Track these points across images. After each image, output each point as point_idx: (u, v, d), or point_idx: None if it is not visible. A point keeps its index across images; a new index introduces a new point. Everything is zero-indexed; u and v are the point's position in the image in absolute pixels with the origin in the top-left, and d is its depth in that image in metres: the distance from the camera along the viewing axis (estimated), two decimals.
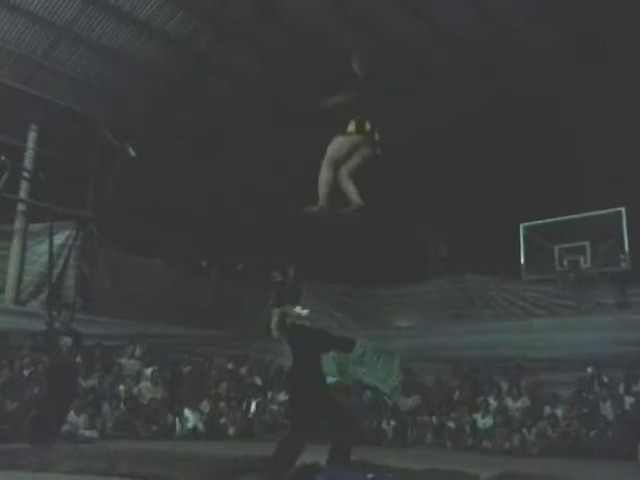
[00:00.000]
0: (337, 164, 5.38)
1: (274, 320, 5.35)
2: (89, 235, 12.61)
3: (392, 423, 10.64)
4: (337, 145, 5.38)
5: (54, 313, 9.17)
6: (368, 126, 5.32)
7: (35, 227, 11.99)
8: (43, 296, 11.70)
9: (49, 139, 12.13)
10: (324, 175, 5.36)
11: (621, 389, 9.95)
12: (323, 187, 5.34)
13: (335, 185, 5.39)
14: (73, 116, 12.06)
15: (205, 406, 10.97)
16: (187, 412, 10.53)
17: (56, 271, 11.90)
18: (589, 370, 10.39)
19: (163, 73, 11.97)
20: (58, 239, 12.05)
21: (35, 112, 11.89)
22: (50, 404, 7.87)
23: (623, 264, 12.27)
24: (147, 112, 12.49)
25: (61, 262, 12.20)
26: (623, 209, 12.42)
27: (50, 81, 11.52)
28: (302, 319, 5.29)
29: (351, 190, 5.39)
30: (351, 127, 5.31)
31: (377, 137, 5.41)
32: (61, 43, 11.00)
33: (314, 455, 5.45)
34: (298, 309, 5.24)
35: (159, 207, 12.94)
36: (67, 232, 12.40)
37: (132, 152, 12.33)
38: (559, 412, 10.00)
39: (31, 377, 9.30)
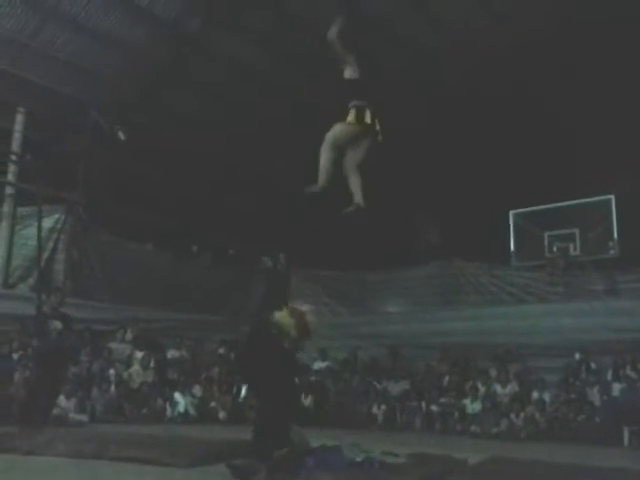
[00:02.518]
0: (338, 148, 5.34)
1: (289, 321, 4.81)
2: (78, 219, 12.52)
3: (382, 408, 10.71)
4: (337, 130, 5.31)
5: (43, 297, 9.13)
6: (368, 116, 5.24)
7: (24, 211, 11.89)
8: (32, 280, 11.64)
9: (38, 122, 12.00)
10: (324, 156, 5.31)
11: (608, 375, 10.06)
12: (323, 167, 5.29)
13: (335, 170, 5.35)
14: (62, 99, 11.90)
15: (197, 390, 11.00)
16: (177, 396, 10.57)
17: (45, 255, 11.81)
18: (577, 356, 10.50)
19: (153, 55, 11.83)
20: (47, 223, 11.94)
21: (23, 95, 11.74)
22: (40, 388, 7.86)
23: (612, 251, 12.41)
24: (137, 95, 12.37)
25: (50, 246, 12.12)
26: (612, 197, 12.54)
27: (38, 63, 11.35)
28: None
29: (355, 186, 5.34)
30: (351, 117, 5.23)
31: (377, 127, 5.33)
32: (48, 24, 10.83)
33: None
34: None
35: (149, 191, 12.88)
36: (56, 216, 12.31)
37: (122, 135, 12.23)
38: (547, 397, 10.11)
39: (20, 361, 9.26)
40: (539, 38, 11.61)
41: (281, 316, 4.69)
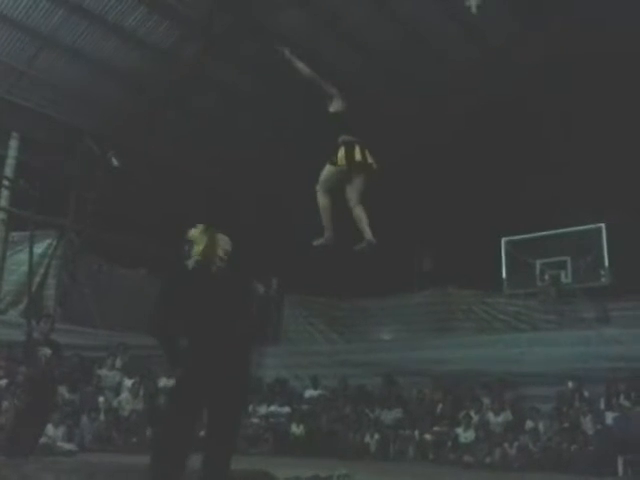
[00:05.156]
0: (330, 191, 5.38)
1: (201, 237, 4.33)
2: (70, 244, 12.49)
3: (375, 437, 10.61)
4: (327, 174, 5.37)
5: (33, 323, 9.05)
6: (358, 153, 5.23)
7: (15, 236, 11.85)
8: (22, 306, 11.54)
9: (31, 147, 12.04)
10: (320, 203, 5.39)
11: (601, 404, 10.02)
12: (324, 216, 5.38)
13: (340, 214, 5.38)
14: (56, 125, 11.97)
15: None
16: None
17: (36, 280, 11.75)
18: (570, 385, 10.45)
19: (148, 83, 11.94)
20: (39, 248, 11.92)
21: (17, 120, 11.80)
22: (28, 416, 7.73)
23: (603, 279, 12.43)
24: (131, 121, 12.44)
25: (41, 271, 12.06)
26: (603, 225, 12.61)
27: (33, 89, 11.43)
28: None
29: (363, 222, 5.34)
30: (340, 155, 5.23)
31: (369, 160, 5.32)
32: (44, 51, 10.93)
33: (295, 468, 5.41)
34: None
35: (142, 217, 12.86)
36: (48, 241, 12.29)
37: (115, 161, 12.27)
38: (540, 426, 10.04)
39: (8, 388, 9.13)
40: (532, 70, 11.82)
41: (194, 232, 4.27)
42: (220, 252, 4.18)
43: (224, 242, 4.25)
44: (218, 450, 4.03)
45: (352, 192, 5.38)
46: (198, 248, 4.16)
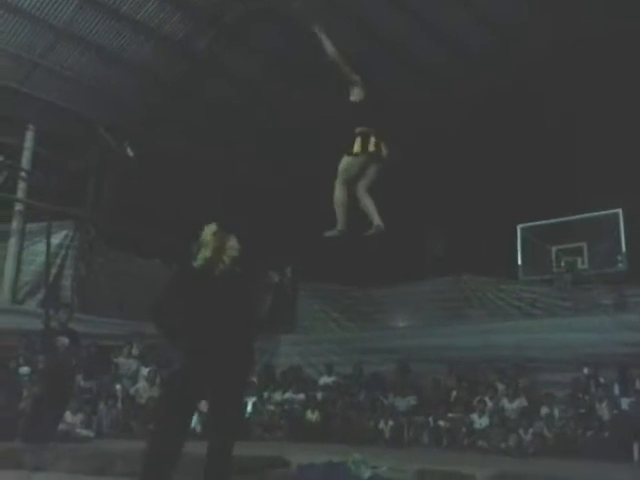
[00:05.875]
0: (349, 183, 5.41)
1: (210, 238, 4.43)
2: (86, 235, 12.62)
3: (389, 423, 10.65)
4: (346, 165, 5.41)
5: (51, 313, 9.19)
6: (372, 143, 5.28)
7: (33, 227, 12.00)
8: (40, 296, 11.71)
9: (47, 139, 12.15)
10: (337, 196, 5.43)
11: (617, 390, 9.97)
12: (339, 208, 5.41)
13: (350, 203, 5.41)
14: (71, 116, 12.06)
15: (203, 405, 10.97)
16: None
17: (53, 271, 11.91)
18: (585, 371, 10.41)
19: (161, 74, 11.97)
20: (56, 239, 12.07)
21: (33, 112, 11.90)
22: (47, 403, 7.88)
23: (620, 265, 12.34)
24: (145, 112, 12.50)
25: (58, 262, 12.21)
26: (620, 210, 12.48)
27: (48, 81, 11.52)
28: None
29: (370, 209, 5.40)
30: (357, 147, 5.29)
31: (383, 152, 5.38)
32: (59, 44, 10.99)
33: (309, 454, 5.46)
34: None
35: (157, 207, 12.95)
36: (65, 232, 12.42)
37: (130, 152, 12.35)
38: (555, 412, 10.02)
39: (27, 376, 9.29)
40: (547, 54, 11.66)
41: (205, 233, 4.38)
42: (225, 258, 4.30)
43: (231, 248, 4.37)
44: (221, 441, 4.14)
45: (363, 181, 5.41)
46: (204, 253, 4.29)
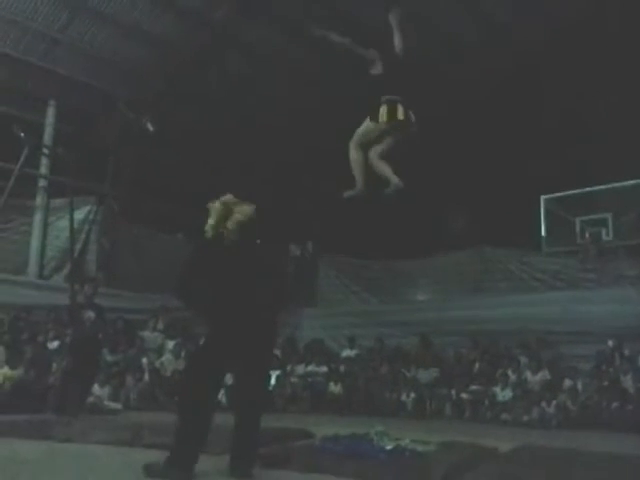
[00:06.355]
0: (364, 146, 5.37)
1: (218, 208, 4.45)
2: (109, 210, 12.73)
3: (411, 395, 10.72)
4: (365, 129, 5.37)
5: (77, 287, 9.33)
6: (401, 112, 5.21)
7: (56, 202, 12.12)
8: (66, 271, 11.88)
9: (68, 115, 12.20)
10: (352, 157, 5.40)
11: (639, 362, 9.90)
12: (356, 169, 5.38)
13: (367, 167, 5.38)
14: (91, 91, 12.08)
15: (228, 378, 11.12)
16: None
17: (78, 246, 12.05)
18: (610, 343, 10.33)
19: (180, 47, 11.90)
20: (79, 214, 12.18)
21: (53, 88, 11.94)
22: (75, 376, 8.04)
23: None
24: (165, 86, 12.47)
25: (82, 237, 12.35)
26: None
27: (67, 56, 11.53)
28: None
29: (386, 170, 5.36)
30: (382, 115, 5.22)
31: (412, 119, 5.31)
32: (77, 18, 10.97)
33: (332, 426, 5.51)
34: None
35: (178, 182, 12.99)
36: (87, 207, 12.53)
37: (150, 127, 12.36)
38: (579, 385, 9.99)
39: (56, 350, 9.48)
40: (567, 24, 11.37)
41: (212, 204, 4.38)
42: (231, 224, 4.24)
43: (240, 213, 4.29)
44: (247, 413, 4.18)
45: (378, 147, 5.36)
46: (210, 222, 4.25)
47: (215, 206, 4.34)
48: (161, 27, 11.35)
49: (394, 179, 5.33)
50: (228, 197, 4.38)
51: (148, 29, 11.34)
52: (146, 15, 11.10)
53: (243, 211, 4.32)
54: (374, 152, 5.40)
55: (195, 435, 4.04)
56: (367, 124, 5.36)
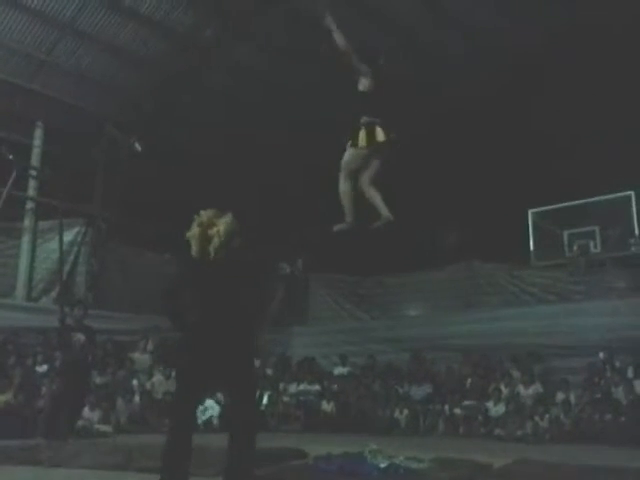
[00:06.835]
0: (353, 175, 5.36)
1: (195, 230, 4.38)
2: (98, 231, 12.67)
3: (404, 412, 10.67)
4: (349, 157, 5.32)
5: (66, 309, 9.24)
6: (380, 134, 5.17)
7: (45, 224, 12.06)
8: (55, 293, 11.78)
9: (55, 136, 12.18)
10: (342, 189, 5.37)
11: (629, 372, 9.93)
12: (345, 200, 5.36)
13: (357, 195, 5.37)
14: (78, 112, 12.08)
15: (220, 398, 11.05)
16: (210, 403, 10.52)
17: (67, 268, 11.97)
18: (601, 355, 10.37)
19: (167, 67, 11.95)
20: (68, 236, 12.11)
21: (40, 109, 11.94)
22: (64, 400, 7.95)
23: (633, 248, 12.23)
24: (152, 106, 12.49)
25: (71, 259, 12.27)
26: (632, 193, 12.37)
27: (54, 78, 11.54)
28: None
29: (377, 200, 5.32)
30: (362, 139, 5.17)
31: (394, 139, 5.25)
32: (64, 40, 11.00)
33: (326, 445, 5.47)
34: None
35: (165, 201, 12.96)
36: (76, 229, 12.47)
37: (138, 147, 12.36)
38: (572, 398, 10.00)
39: (46, 373, 9.37)
40: (551, 36, 11.54)
41: (196, 217, 4.32)
42: (211, 234, 4.20)
43: (221, 224, 4.26)
44: (239, 434, 4.13)
45: (367, 173, 5.35)
46: (190, 231, 4.26)
47: (197, 216, 4.32)
48: (148, 48, 11.40)
49: (384, 211, 5.29)
50: (210, 211, 4.37)
51: (135, 50, 11.38)
52: (133, 36, 11.15)
53: (226, 221, 4.31)
54: (364, 179, 5.37)
55: (177, 455, 3.99)
56: (349, 151, 5.31)
